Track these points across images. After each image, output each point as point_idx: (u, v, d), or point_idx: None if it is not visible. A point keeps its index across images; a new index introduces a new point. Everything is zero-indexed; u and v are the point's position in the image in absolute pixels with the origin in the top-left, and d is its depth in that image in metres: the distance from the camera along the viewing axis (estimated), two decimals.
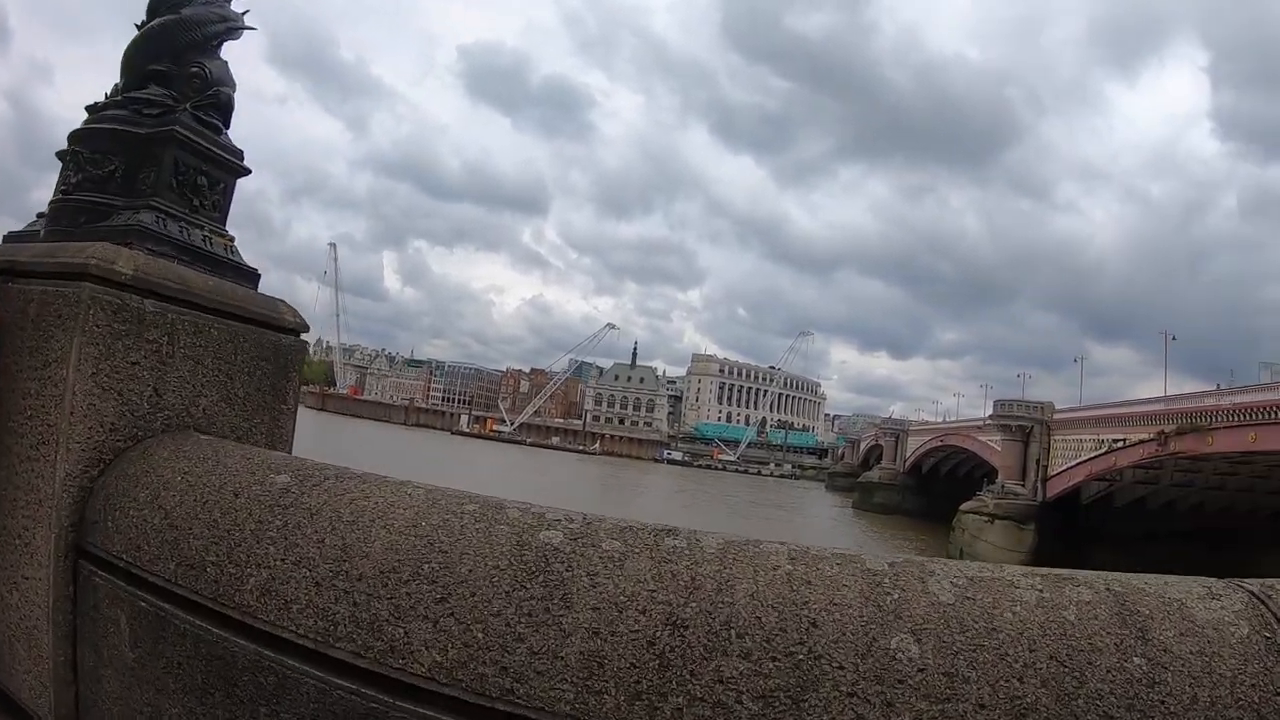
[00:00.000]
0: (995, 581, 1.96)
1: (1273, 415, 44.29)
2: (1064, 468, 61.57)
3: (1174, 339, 78.88)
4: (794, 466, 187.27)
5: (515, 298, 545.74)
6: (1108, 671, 1.76)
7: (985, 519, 59.79)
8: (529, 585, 2.10)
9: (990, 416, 73.79)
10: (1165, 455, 51.11)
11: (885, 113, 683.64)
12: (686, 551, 2.14)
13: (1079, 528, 58.17)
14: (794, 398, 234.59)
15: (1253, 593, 1.98)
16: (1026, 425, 65.98)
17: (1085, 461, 59.07)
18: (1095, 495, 59.51)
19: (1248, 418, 45.97)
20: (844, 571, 2.04)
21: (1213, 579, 2.07)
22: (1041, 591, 1.92)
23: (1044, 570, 2.06)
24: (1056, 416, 66.35)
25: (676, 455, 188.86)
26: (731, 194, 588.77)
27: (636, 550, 2.16)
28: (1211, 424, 48.12)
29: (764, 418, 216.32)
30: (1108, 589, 1.95)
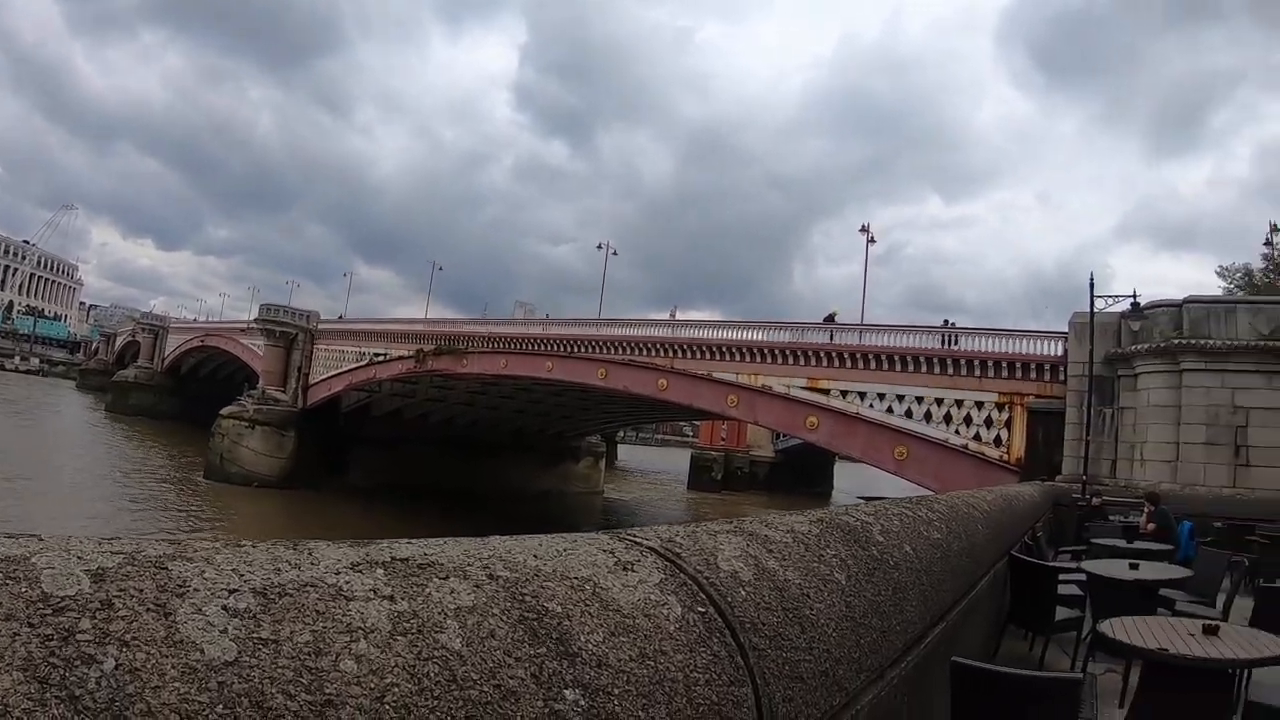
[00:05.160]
0: (308, 588, 1.15)
1: (521, 345, 46.63)
2: (325, 376, 58.26)
3: (440, 269, 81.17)
4: (42, 361, 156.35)
5: None
6: None
7: (246, 424, 54.02)
8: None
9: (255, 320, 67.43)
10: (423, 372, 50.73)
11: None
12: None
13: (339, 434, 55.49)
14: (48, 281, 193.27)
15: (658, 552, 1.80)
16: (291, 332, 60.82)
17: (347, 372, 56.67)
18: (355, 404, 56.99)
19: (501, 345, 47.62)
20: None
21: (603, 535, 1.80)
22: (393, 601, 1.20)
23: (370, 548, 1.32)
24: (322, 326, 62.45)
25: None
26: (18, 26, 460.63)
27: None
28: (468, 348, 48.81)
29: (11, 301, 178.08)
30: (490, 576, 1.37)
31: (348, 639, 1.09)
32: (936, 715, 4.24)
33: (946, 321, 34.28)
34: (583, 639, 1.36)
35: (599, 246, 62.35)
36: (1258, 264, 54.29)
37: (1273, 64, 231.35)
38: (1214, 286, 53.05)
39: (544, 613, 1.35)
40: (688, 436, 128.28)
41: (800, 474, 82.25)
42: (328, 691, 1.02)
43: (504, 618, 1.28)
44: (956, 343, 32.05)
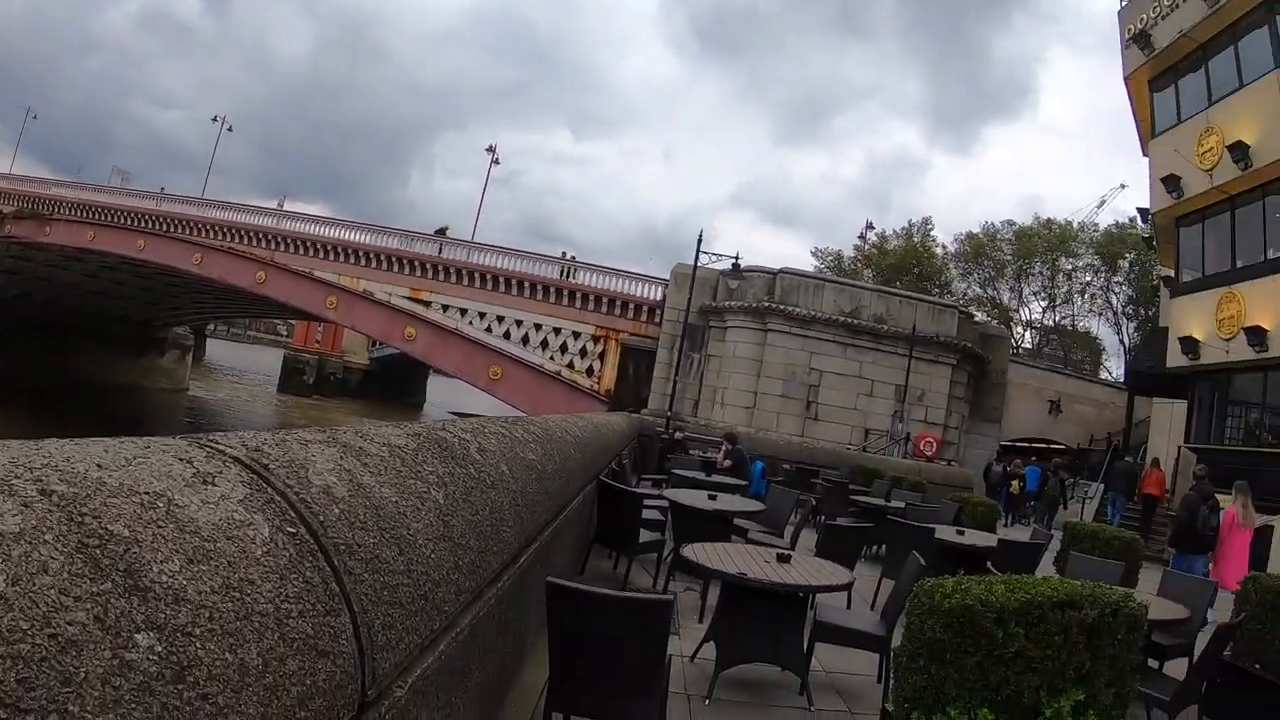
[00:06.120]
0: None
1: (114, 217, 41.66)
2: None
3: (35, 118, 71.51)
4: None
5: None
6: (104, 683, 0.97)
7: None
8: None
9: None
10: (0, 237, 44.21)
11: None
12: None
13: None
14: None
15: (243, 463, 1.55)
16: None
17: None
18: None
19: (91, 215, 42.38)
20: None
21: (180, 440, 1.50)
22: None
23: None
24: None
25: None
26: None
27: None
28: (53, 214, 43.12)
29: None
30: (43, 492, 1.07)
31: None
32: (532, 627, 4.43)
33: (565, 254, 36.09)
34: (155, 569, 1.12)
35: (215, 119, 57.46)
36: (849, 252, 60.73)
37: (901, 90, 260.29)
38: (807, 263, 61.24)
39: (108, 537, 1.09)
40: (282, 336, 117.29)
41: (394, 384, 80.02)
42: None
43: (59, 546, 1.02)
44: (575, 275, 33.10)
